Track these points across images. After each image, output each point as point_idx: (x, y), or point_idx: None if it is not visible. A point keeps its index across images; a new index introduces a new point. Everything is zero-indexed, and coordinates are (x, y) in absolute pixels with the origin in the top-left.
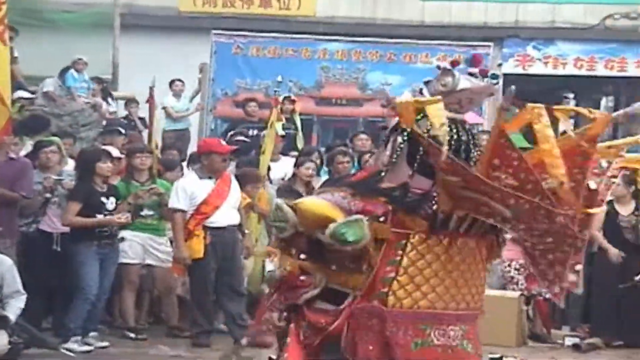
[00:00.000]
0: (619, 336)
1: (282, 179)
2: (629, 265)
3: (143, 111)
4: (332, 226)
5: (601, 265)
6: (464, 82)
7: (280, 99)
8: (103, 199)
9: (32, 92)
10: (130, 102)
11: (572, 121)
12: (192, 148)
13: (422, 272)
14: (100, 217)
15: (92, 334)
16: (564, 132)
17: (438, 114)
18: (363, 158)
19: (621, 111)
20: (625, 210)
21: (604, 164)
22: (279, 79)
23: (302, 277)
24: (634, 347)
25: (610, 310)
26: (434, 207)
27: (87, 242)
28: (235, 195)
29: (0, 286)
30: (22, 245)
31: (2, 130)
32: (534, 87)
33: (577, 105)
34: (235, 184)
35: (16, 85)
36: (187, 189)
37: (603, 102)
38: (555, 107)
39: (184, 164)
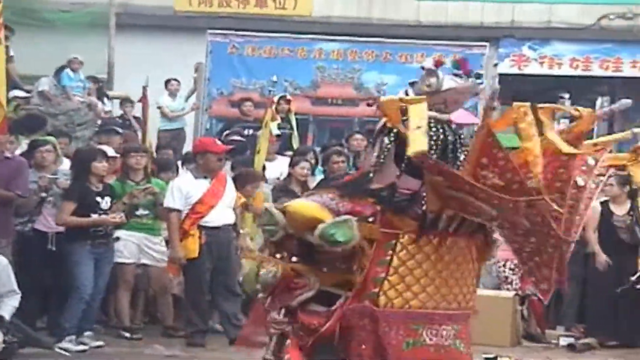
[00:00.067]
0: (613, 336)
1: (278, 178)
2: (624, 265)
3: (138, 111)
4: (320, 227)
5: (596, 265)
6: (448, 82)
7: (276, 98)
8: (98, 199)
9: (28, 92)
10: (125, 101)
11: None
12: (188, 147)
13: (412, 272)
14: (95, 216)
15: (87, 333)
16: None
17: (418, 116)
18: (358, 158)
19: (606, 108)
20: (620, 210)
21: (591, 161)
22: (274, 78)
23: (296, 280)
24: (628, 347)
25: (605, 310)
26: (423, 207)
27: (82, 242)
28: (230, 194)
29: None
30: (18, 245)
31: None
32: (530, 87)
33: (572, 105)
34: (230, 184)
35: (12, 85)
36: (183, 188)
37: (598, 102)
38: (540, 105)
39: (179, 163)
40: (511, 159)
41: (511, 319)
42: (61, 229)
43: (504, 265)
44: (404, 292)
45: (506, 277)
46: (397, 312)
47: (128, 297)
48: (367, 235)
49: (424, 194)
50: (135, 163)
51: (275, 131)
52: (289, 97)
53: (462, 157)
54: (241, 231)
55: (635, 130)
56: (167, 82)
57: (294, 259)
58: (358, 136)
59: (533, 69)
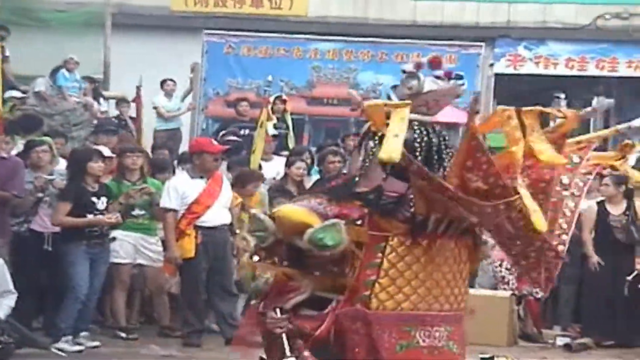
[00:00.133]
0: (610, 336)
1: (274, 178)
2: (620, 265)
3: (134, 111)
4: (309, 231)
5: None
6: (430, 84)
7: (272, 98)
8: (94, 199)
9: (24, 92)
10: (121, 101)
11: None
12: (184, 148)
13: (402, 274)
14: (90, 217)
15: (83, 333)
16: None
17: (398, 123)
18: None
19: (589, 108)
20: (616, 210)
21: (576, 159)
22: (269, 78)
23: (289, 283)
24: (625, 346)
25: (601, 310)
26: (411, 209)
27: (77, 242)
28: (226, 194)
29: None
30: (14, 245)
31: None
32: (525, 87)
33: (568, 105)
34: (226, 184)
35: (7, 85)
36: (179, 188)
37: (594, 102)
38: (525, 109)
39: (175, 163)
40: (494, 163)
41: (508, 319)
42: (57, 229)
43: (501, 265)
44: (395, 295)
45: (503, 277)
46: (389, 315)
47: (124, 297)
48: (355, 238)
49: (411, 197)
50: (131, 163)
51: (272, 131)
52: (284, 97)
53: (447, 159)
54: (237, 232)
55: (620, 127)
56: (163, 82)
57: (285, 264)
58: (354, 136)
59: (529, 68)
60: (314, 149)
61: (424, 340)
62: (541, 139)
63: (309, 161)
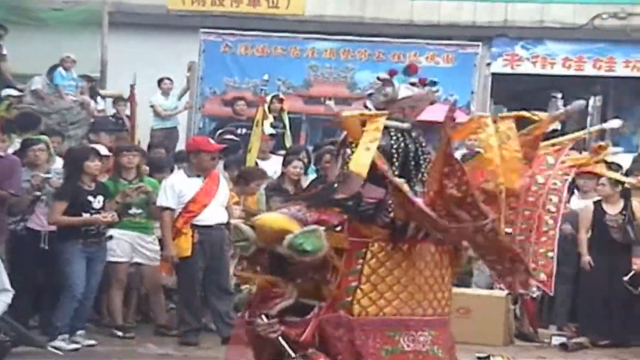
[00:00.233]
0: (606, 335)
1: (271, 177)
2: (616, 264)
3: None
4: (288, 237)
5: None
6: (404, 91)
7: (269, 97)
8: (90, 198)
9: (20, 90)
10: (118, 100)
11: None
12: (181, 146)
13: (384, 280)
14: (86, 215)
15: (79, 332)
16: (554, 130)
17: (370, 136)
18: None
19: (562, 110)
20: (613, 209)
21: (551, 160)
22: (266, 77)
23: (274, 289)
24: (621, 346)
25: (597, 310)
26: (390, 214)
27: (74, 241)
28: (223, 193)
29: None
30: (10, 244)
31: None
32: (522, 87)
33: (565, 104)
34: (223, 182)
35: (4, 83)
36: (176, 187)
37: (591, 101)
38: (501, 115)
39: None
40: (466, 173)
41: (504, 318)
42: (54, 227)
43: None
44: (377, 300)
45: None
46: (373, 320)
47: (121, 295)
48: (335, 244)
49: (390, 202)
50: (128, 162)
51: (269, 130)
52: (281, 96)
53: (424, 165)
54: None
55: (593, 129)
56: (160, 81)
57: (268, 272)
58: None
59: (526, 68)
60: (311, 148)
61: (408, 345)
62: (514, 148)
63: (306, 160)
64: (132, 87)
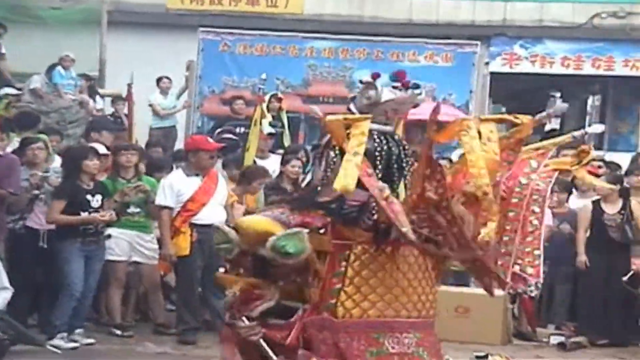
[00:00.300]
0: (604, 335)
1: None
2: (614, 264)
3: None
4: (271, 239)
5: (587, 263)
6: (387, 94)
7: (267, 96)
8: (88, 197)
9: (19, 89)
10: (117, 99)
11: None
12: (179, 145)
13: (367, 282)
14: (84, 214)
15: (78, 330)
16: (552, 130)
17: (357, 139)
18: None
19: (544, 113)
20: (611, 209)
21: (534, 164)
22: (264, 76)
23: (256, 291)
24: (619, 345)
25: (596, 309)
26: (374, 217)
27: (72, 240)
28: (222, 192)
29: None
30: (9, 242)
31: None
32: (521, 86)
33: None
34: (222, 181)
35: (3, 82)
36: (174, 186)
37: (590, 101)
38: (483, 117)
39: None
40: (445, 176)
41: (502, 318)
42: (53, 226)
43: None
44: (361, 302)
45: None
46: (357, 322)
47: (119, 294)
48: (317, 247)
49: (373, 204)
50: (126, 161)
51: (268, 129)
52: (280, 95)
53: (407, 168)
54: None
55: (576, 133)
56: (159, 79)
57: (250, 274)
58: None
59: (524, 67)
60: (309, 147)
61: (393, 347)
62: (494, 150)
63: (304, 159)
64: (129, 86)
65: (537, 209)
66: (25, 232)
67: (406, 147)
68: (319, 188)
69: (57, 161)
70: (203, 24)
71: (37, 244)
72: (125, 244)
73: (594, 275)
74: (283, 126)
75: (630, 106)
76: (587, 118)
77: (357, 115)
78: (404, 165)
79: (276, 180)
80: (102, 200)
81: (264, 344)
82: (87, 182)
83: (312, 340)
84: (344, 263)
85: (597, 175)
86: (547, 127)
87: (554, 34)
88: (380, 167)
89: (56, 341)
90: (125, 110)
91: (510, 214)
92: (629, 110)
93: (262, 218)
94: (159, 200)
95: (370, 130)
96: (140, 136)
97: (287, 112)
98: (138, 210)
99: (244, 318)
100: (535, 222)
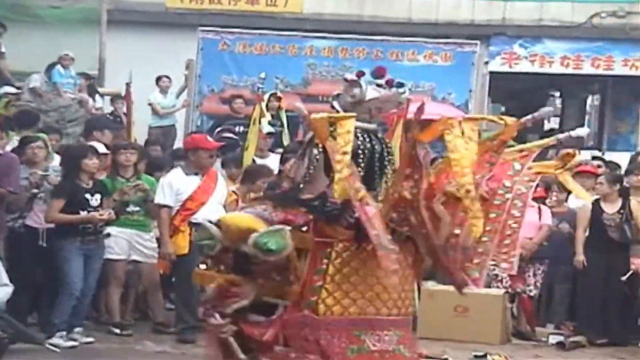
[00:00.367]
0: (603, 334)
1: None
2: (613, 264)
3: None
4: (253, 236)
5: (586, 263)
6: (372, 92)
7: (266, 96)
8: (87, 196)
9: (19, 88)
10: (116, 98)
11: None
12: (178, 144)
13: (349, 279)
14: (83, 213)
15: (77, 329)
16: (551, 129)
17: (344, 138)
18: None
19: (530, 116)
20: (611, 208)
21: (518, 166)
22: (263, 75)
23: (232, 289)
24: (618, 345)
25: (595, 309)
26: (355, 215)
27: (71, 239)
28: (221, 191)
29: None
30: (9, 241)
31: None
32: (520, 85)
33: (563, 103)
34: (221, 180)
35: (3, 81)
36: (173, 184)
37: (589, 100)
38: (468, 116)
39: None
40: (423, 177)
41: (501, 317)
42: (52, 225)
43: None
44: (342, 300)
45: (496, 275)
46: (338, 320)
47: (119, 293)
48: (298, 244)
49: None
50: (125, 160)
51: (267, 128)
52: (279, 94)
53: (389, 166)
54: None
55: (560, 136)
56: (159, 78)
57: (231, 271)
58: None
59: (524, 67)
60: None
61: (374, 345)
62: (473, 150)
63: None
64: (127, 85)
65: (517, 213)
66: (24, 231)
67: (389, 145)
68: (301, 185)
69: (56, 160)
70: (202, 23)
71: (36, 243)
72: (124, 243)
73: (593, 274)
74: (282, 125)
75: (630, 106)
76: (587, 117)
77: (342, 114)
78: (386, 163)
79: (276, 179)
80: (101, 199)
81: (233, 343)
82: (87, 181)
83: (294, 337)
84: (325, 260)
85: (597, 175)
86: (547, 127)
87: (553, 34)
88: (362, 165)
89: (55, 340)
90: (124, 109)
91: (492, 215)
92: (629, 109)
93: (245, 215)
94: (158, 199)
95: (354, 128)
96: (140, 135)
97: (287, 111)
98: (137, 209)
99: (216, 314)
100: (514, 225)
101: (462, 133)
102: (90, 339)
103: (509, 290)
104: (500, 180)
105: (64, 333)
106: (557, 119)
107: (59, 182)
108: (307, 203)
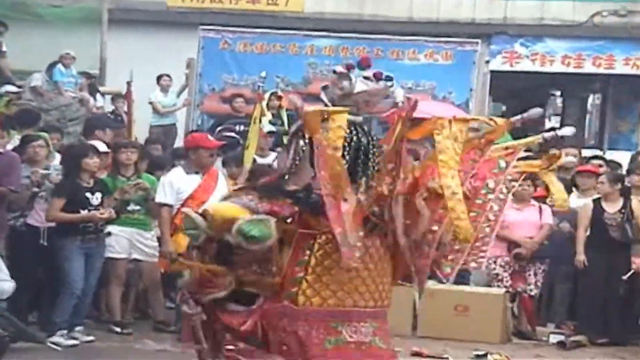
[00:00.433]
0: (604, 334)
1: None
2: (614, 263)
3: None
4: (237, 223)
5: (587, 262)
6: (360, 85)
7: (267, 95)
8: (88, 195)
9: (20, 87)
10: (117, 97)
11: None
12: (179, 143)
13: (329, 271)
14: (84, 212)
15: (78, 328)
16: (551, 129)
17: (337, 134)
18: None
19: (519, 116)
20: (612, 208)
21: (503, 164)
22: (263, 74)
23: (211, 279)
24: (618, 344)
25: (595, 308)
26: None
27: (72, 237)
28: (221, 190)
29: None
30: (10, 240)
31: None
32: (521, 85)
33: (564, 102)
34: (222, 179)
35: (4, 80)
36: (174, 183)
37: (590, 99)
38: (458, 117)
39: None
40: (400, 175)
41: (502, 316)
42: (53, 224)
43: (495, 262)
44: (321, 291)
45: (497, 274)
46: (316, 311)
47: (119, 292)
48: (282, 235)
49: None
50: (126, 159)
51: (268, 127)
52: (280, 93)
53: (373, 159)
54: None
55: (547, 135)
56: (159, 77)
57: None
58: None
59: (525, 66)
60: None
61: (350, 336)
62: (457, 150)
63: None
64: (128, 84)
65: (492, 217)
66: (25, 230)
67: (375, 138)
68: (286, 176)
69: (57, 159)
70: (203, 22)
71: (37, 242)
72: (125, 242)
73: (594, 274)
74: (283, 124)
75: (631, 105)
76: (588, 116)
77: (335, 108)
78: (370, 156)
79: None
80: (102, 198)
81: (200, 333)
82: (87, 180)
83: (273, 328)
84: (307, 252)
85: (598, 174)
86: (547, 126)
87: (554, 32)
88: (347, 157)
89: (56, 338)
90: (125, 108)
91: (472, 214)
92: (630, 108)
93: (231, 205)
94: (159, 197)
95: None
96: (140, 134)
97: (287, 110)
98: (138, 207)
99: (190, 302)
100: (487, 229)
101: (451, 132)
102: (91, 338)
103: (510, 289)
104: (484, 179)
105: (65, 332)
106: (558, 118)
107: (60, 181)
108: (292, 194)
